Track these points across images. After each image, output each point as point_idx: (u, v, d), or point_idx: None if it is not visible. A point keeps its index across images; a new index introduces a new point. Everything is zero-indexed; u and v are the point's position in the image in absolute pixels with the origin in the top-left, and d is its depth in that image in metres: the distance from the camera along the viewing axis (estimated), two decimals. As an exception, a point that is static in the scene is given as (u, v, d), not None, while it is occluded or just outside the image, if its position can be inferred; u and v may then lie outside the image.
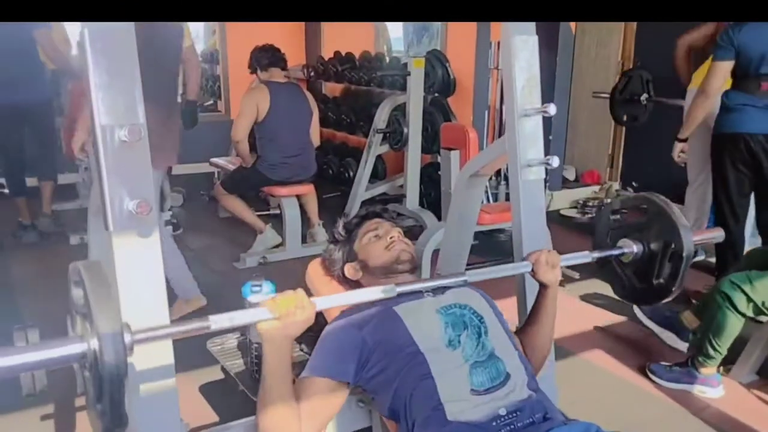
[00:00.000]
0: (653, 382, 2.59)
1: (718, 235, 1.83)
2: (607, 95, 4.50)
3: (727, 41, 2.89)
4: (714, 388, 2.51)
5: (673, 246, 1.62)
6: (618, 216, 1.81)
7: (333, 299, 1.41)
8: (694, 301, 3.29)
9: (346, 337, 1.51)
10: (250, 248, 4.06)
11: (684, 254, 1.60)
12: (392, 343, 1.47)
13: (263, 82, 4.02)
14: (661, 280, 1.67)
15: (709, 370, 2.51)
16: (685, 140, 3.24)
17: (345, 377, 1.47)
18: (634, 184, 5.49)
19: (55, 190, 4.47)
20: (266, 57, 4.04)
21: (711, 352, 2.46)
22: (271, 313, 1.26)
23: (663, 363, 2.63)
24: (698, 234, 1.70)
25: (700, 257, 4.00)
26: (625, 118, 4.36)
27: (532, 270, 1.59)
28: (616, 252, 1.73)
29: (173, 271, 3.03)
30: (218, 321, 1.19)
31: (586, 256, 1.70)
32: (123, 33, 1.20)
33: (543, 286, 1.64)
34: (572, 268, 3.71)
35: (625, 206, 1.82)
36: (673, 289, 1.65)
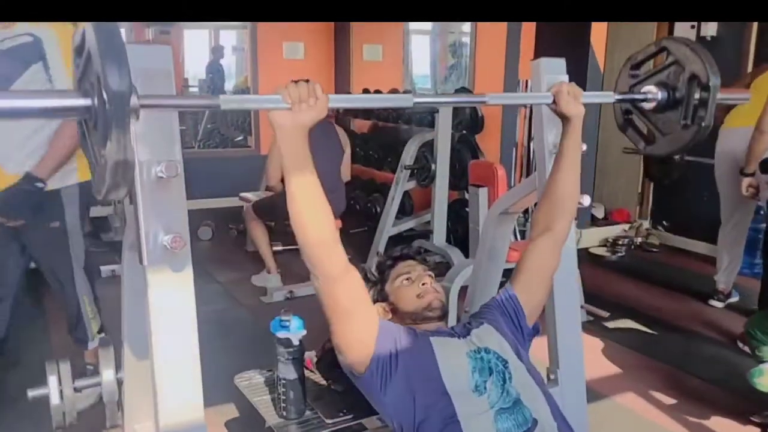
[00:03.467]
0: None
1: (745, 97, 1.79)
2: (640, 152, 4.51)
3: None
4: None
5: (698, 79, 1.54)
6: (638, 71, 1.72)
7: (346, 98, 1.36)
8: (739, 343, 3.22)
9: (393, 331, 1.56)
10: (277, 286, 4.07)
11: (711, 84, 1.52)
12: (421, 371, 1.47)
13: None
14: (689, 121, 1.57)
15: None
16: (752, 174, 3.29)
17: (383, 336, 1.50)
18: (664, 222, 5.41)
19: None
20: None
21: None
22: (284, 100, 1.24)
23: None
24: (725, 91, 1.60)
25: (735, 299, 3.91)
26: (658, 175, 4.41)
27: (553, 101, 1.56)
28: (639, 96, 1.65)
29: None
30: (229, 101, 1.19)
31: (608, 96, 1.66)
32: (162, 74, 1.24)
33: (566, 121, 1.61)
34: (602, 306, 3.66)
35: (646, 56, 1.72)
36: (704, 123, 1.55)
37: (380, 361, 1.49)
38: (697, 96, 1.54)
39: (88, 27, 0.96)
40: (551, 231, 1.66)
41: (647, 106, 1.65)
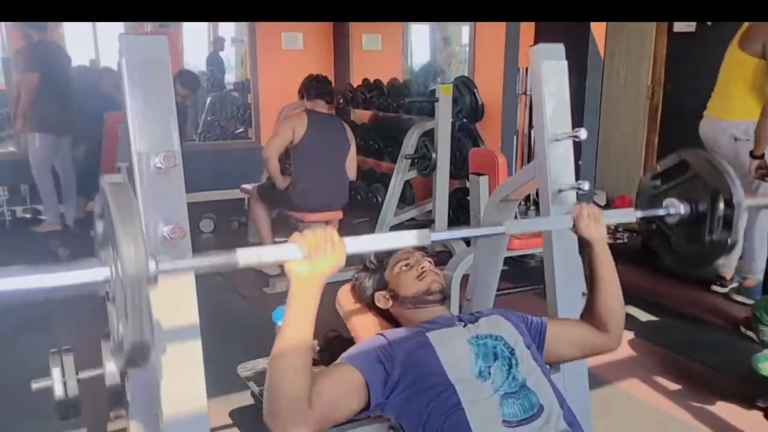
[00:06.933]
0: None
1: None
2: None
3: None
4: None
5: (721, 195, 1.51)
6: (659, 182, 1.70)
7: (364, 241, 1.33)
8: (742, 328, 3.23)
9: (382, 350, 1.48)
10: (279, 273, 4.08)
11: (735, 201, 1.49)
12: (423, 372, 1.45)
13: (305, 110, 4.11)
14: (714, 236, 1.53)
15: None
16: (761, 157, 3.30)
17: (373, 382, 1.42)
18: (666, 208, 5.41)
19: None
20: (315, 88, 4.16)
21: None
22: (300, 249, 1.17)
23: None
24: (750, 196, 1.56)
25: (736, 283, 3.90)
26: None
27: (573, 225, 1.55)
28: (661, 212, 1.61)
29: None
30: (246, 256, 1.09)
31: (629, 215, 1.63)
32: (158, 64, 1.24)
33: (589, 245, 1.59)
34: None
35: (666, 168, 1.69)
36: (729, 240, 1.51)
37: (377, 388, 1.43)
38: (721, 212, 1.51)
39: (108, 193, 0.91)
40: (606, 333, 1.66)
41: (670, 220, 1.62)
